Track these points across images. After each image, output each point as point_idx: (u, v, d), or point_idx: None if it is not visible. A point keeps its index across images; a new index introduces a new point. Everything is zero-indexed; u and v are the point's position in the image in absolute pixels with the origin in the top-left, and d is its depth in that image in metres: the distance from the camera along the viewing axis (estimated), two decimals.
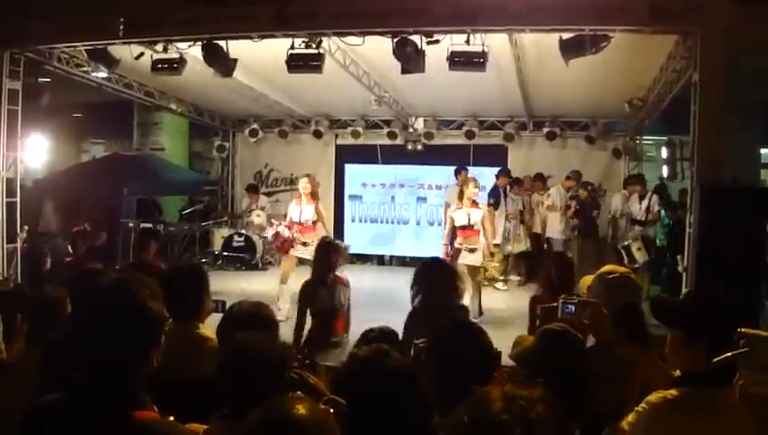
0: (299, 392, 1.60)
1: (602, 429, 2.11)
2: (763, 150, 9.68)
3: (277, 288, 7.70)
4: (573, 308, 2.57)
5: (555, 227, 9.62)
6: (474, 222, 7.47)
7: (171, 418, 1.63)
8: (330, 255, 4.81)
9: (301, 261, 7.80)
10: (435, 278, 3.77)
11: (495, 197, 9.60)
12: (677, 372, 2.06)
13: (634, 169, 10.55)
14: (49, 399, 1.59)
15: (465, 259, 7.35)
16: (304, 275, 8.06)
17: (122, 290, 1.68)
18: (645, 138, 10.76)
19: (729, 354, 1.68)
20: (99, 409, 1.49)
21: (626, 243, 8.45)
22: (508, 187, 9.83)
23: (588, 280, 3.35)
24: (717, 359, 1.69)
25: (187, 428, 1.74)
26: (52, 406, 1.56)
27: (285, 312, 6.90)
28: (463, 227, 7.48)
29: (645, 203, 9.00)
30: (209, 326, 2.74)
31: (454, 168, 10.12)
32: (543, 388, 1.21)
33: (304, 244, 7.72)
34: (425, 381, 1.81)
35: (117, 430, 1.43)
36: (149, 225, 10.02)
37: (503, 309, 8.09)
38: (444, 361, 1.95)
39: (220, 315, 2.62)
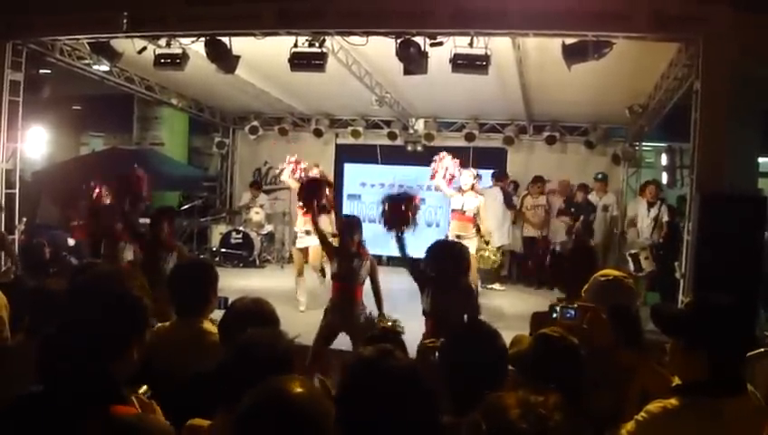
0: None
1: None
2: (760, 159, 9.71)
3: (294, 282, 7.96)
4: (573, 313, 2.56)
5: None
6: (467, 209, 7.63)
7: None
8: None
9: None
10: (447, 255, 4.24)
11: (510, 198, 9.86)
12: (677, 379, 2.08)
13: (633, 175, 10.58)
14: (29, 392, 1.58)
15: None
16: (313, 275, 8.24)
17: (110, 280, 1.66)
18: (644, 144, 10.79)
19: None
20: (77, 403, 1.48)
21: (633, 251, 8.44)
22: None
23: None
24: None
25: (191, 423, 1.75)
26: (31, 399, 1.54)
27: (305, 302, 7.47)
28: (455, 211, 7.71)
29: (654, 212, 8.88)
30: (212, 321, 2.75)
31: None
32: (558, 395, 1.22)
33: (308, 232, 7.76)
34: (435, 381, 1.81)
35: (94, 425, 1.42)
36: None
37: (500, 310, 8.10)
38: (458, 363, 1.95)
39: (220, 312, 2.64)
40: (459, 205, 7.67)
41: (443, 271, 4.20)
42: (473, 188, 7.82)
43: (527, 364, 2.22)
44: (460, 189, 7.78)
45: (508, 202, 9.72)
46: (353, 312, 5.04)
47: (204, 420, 1.82)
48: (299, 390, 1.37)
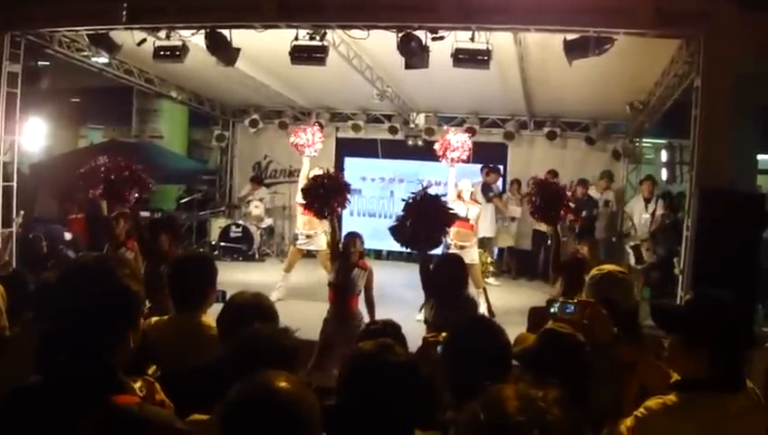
0: None
1: (600, 430, 2.11)
2: (759, 156, 9.71)
3: (280, 275, 7.96)
4: (573, 308, 2.54)
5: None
6: (470, 216, 7.69)
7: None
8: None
9: (308, 253, 8.07)
10: (446, 272, 4.30)
11: (489, 188, 9.96)
12: (675, 374, 2.07)
13: (632, 171, 10.58)
14: (28, 383, 1.57)
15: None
16: (308, 269, 8.26)
17: (100, 268, 1.63)
18: (644, 140, 10.79)
19: None
20: (76, 393, 1.47)
21: (634, 243, 8.44)
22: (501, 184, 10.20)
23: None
24: None
25: (193, 418, 1.75)
26: (30, 390, 1.54)
27: (277, 295, 7.28)
28: (459, 219, 7.66)
29: (651, 207, 8.88)
30: (210, 315, 2.75)
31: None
32: (558, 389, 1.21)
33: (308, 236, 7.74)
34: (438, 375, 1.82)
35: (94, 415, 1.40)
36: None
37: (497, 305, 8.10)
38: (462, 357, 1.95)
39: (219, 306, 2.63)
40: (464, 212, 7.68)
41: (443, 287, 4.31)
42: (471, 196, 7.93)
43: (532, 360, 2.22)
44: (460, 196, 7.78)
45: (485, 192, 9.75)
46: (350, 323, 5.13)
47: (202, 414, 1.81)
48: (284, 384, 1.36)
